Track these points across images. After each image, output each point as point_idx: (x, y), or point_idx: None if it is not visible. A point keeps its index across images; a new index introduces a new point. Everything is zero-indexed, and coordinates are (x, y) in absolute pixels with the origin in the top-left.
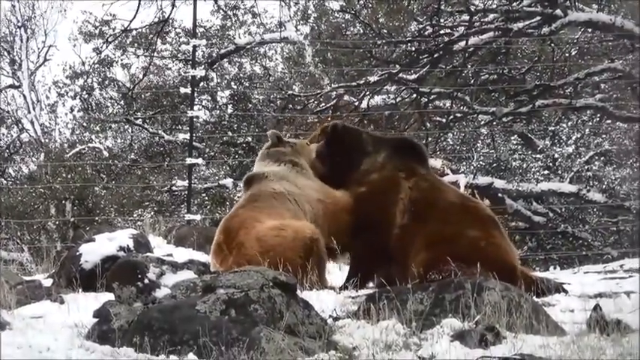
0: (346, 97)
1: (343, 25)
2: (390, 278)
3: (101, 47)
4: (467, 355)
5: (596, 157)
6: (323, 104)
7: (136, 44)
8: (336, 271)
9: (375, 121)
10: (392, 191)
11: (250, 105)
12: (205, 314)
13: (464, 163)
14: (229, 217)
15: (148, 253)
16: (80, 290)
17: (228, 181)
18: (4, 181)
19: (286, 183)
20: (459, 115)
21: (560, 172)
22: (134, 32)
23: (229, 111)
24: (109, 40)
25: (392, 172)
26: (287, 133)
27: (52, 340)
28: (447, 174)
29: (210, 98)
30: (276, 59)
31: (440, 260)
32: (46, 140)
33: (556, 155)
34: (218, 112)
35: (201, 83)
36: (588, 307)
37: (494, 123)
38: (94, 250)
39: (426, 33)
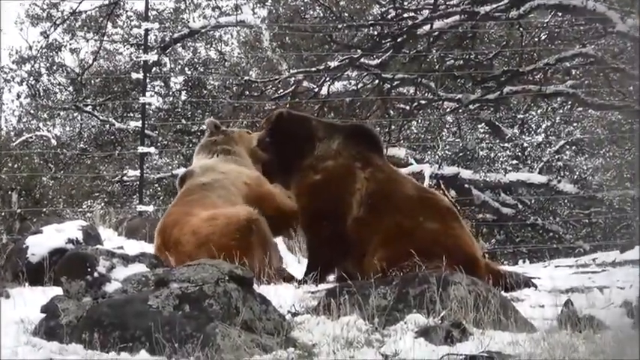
0: (305, 84)
1: (302, 8)
2: (347, 271)
3: (49, 31)
4: (432, 352)
5: (567, 147)
6: (281, 90)
7: (85, 28)
8: (295, 264)
9: (335, 108)
10: (348, 180)
11: (205, 91)
12: (158, 309)
13: (429, 152)
14: (164, 217)
15: (98, 246)
16: (27, 284)
17: (182, 171)
18: None
19: (212, 173)
20: (423, 102)
21: (529, 161)
22: (83, 15)
23: (183, 98)
24: (57, 23)
25: (348, 161)
26: (244, 120)
27: None
28: (411, 164)
29: (163, 84)
30: (232, 44)
31: (400, 255)
32: None
33: (525, 144)
34: (171, 98)
35: (154, 69)
36: (559, 303)
37: (461, 110)
38: (41, 243)
39: (389, 16)
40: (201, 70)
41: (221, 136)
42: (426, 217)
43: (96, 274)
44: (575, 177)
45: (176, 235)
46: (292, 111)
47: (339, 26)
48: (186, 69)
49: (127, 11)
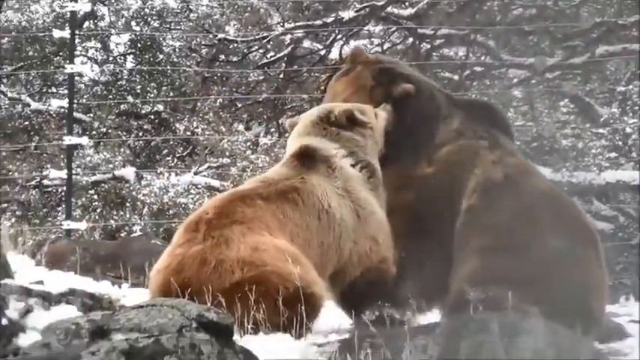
0: (307, 44)
1: None
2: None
3: None
4: None
5: None
6: (272, 54)
7: None
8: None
9: None
10: (466, 167)
11: (161, 56)
12: None
13: None
14: (240, 196)
15: (7, 280)
16: None
17: (129, 172)
18: None
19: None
20: (479, 69)
21: (635, 154)
22: None
23: (129, 65)
24: None
25: (470, 141)
26: (221, 94)
27: None
28: None
29: (100, 46)
30: None
31: (493, 274)
32: None
33: (629, 129)
34: (112, 66)
35: (86, 23)
36: None
37: (534, 81)
38: None
39: None
40: (156, 25)
41: (367, 131)
42: (555, 228)
43: (4, 321)
44: None
45: (233, 234)
46: (420, 79)
47: None
48: (134, 23)
49: None
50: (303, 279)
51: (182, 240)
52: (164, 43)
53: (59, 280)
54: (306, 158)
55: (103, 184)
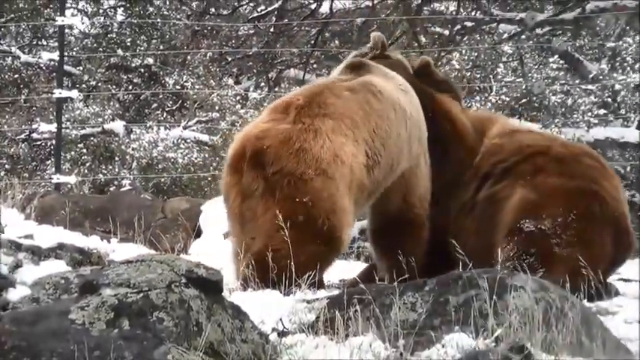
0: None
1: None
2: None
3: None
4: None
5: None
6: (262, 8)
7: None
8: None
9: (342, 33)
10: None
11: (152, 9)
12: (84, 327)
13: (477, 97)
14: (327, 85)
15: None
16: None
17: (118, 125)
18: None
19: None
20: (469, 24)
21: (623, 111)
22: None
23: (120, 18)
24: None
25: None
26: (211, 47)
27: None
28: None
29: None
30: None
31: (545, 204)
32: None
33: (618, 86)
34: (102, 19)
35: None
36: None
37: (524, 37)
38: None
39: None
40: None
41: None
42: (581, 149)
43: None
44: None
45: (325, 125)
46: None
47: None
48: None
49: None
50: (341, 219)
51: (269, 118)
52: None
53: (48, 235)
54: (357, 67)
55: (92, 138)
